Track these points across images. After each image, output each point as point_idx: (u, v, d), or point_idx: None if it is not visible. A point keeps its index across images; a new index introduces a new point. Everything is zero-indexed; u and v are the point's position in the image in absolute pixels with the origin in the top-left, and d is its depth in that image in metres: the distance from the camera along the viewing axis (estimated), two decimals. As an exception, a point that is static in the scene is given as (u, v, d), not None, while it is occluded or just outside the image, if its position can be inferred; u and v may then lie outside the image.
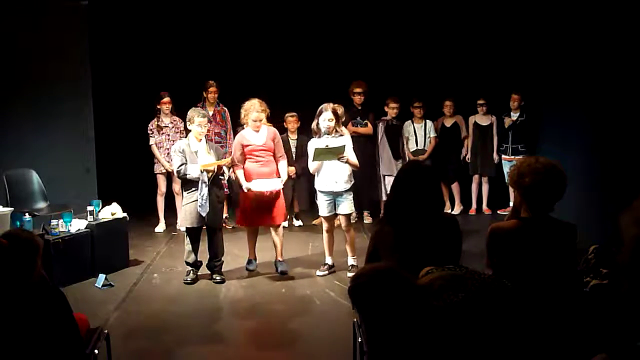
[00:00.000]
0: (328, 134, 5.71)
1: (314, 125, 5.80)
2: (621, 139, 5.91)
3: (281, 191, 5.91)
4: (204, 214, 5.60)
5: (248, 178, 5.80)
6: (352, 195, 5.84)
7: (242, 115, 5.89)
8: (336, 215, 5.87)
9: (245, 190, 5.75)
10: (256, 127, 5.80)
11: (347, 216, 5.86)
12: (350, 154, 5.73)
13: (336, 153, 5.61)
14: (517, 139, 8.18)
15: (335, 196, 5.76)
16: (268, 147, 5.84)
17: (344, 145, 5.63)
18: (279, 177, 5.88)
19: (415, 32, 8.82)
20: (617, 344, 1.59)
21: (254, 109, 5.76)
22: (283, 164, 5.93)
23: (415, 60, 8.86)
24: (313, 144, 5.74)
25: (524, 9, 8.01)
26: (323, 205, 5.83)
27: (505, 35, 8.34)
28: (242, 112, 5.89)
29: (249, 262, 6.04)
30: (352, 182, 5.83)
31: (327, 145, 5.65)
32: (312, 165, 5.81)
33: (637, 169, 5.48)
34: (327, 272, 5.95)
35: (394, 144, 8.07)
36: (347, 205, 5.79)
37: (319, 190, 5.85)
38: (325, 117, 5.68)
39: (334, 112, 5.71)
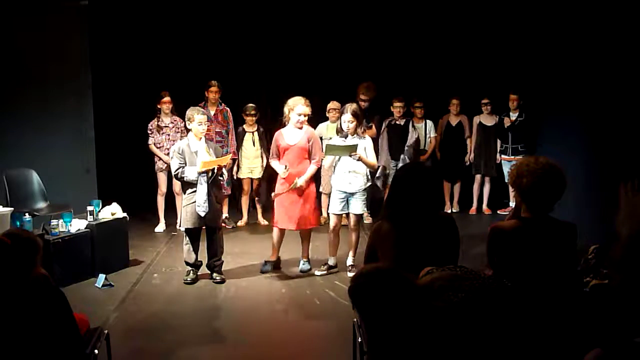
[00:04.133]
0: (348, 135, 5.74)
1: (337, 124, 5.89)
2: (621, 138, 5.91)
3: (314, 195, 5.93)
4: (202, 214, 5.60)
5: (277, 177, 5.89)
6: (365, 196, 5.85)
7: (285, 112, 5.85)
8: (347, 214, 5.90)
9: (283, 173, 5.76)
10: (300, 123, 5.76)
11: (358, 216, 5.87)
12: (369, 154, 5.74)
13: (348, 150, 5.63)
14: (517, 139, 8.19)
15: (349, 195, 5.79)
16: (301, 147, 5.80)
17: (357, 145, 5.64)
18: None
19: (419, 32, 8.82)
20: (612, 340, 1.60)
21: (299, 104, 5.74)
22: (311, 167, 5.84)
23: (419, 61, 8.86)
24: (330, 141, 5.86)
25: (525, 9, 8.01)
26: (335, 203, 5.85)
27: (506, 36, 8.35)
28: (285, 109, 5.85)
29: (266, 263, 6.04)
30: (369, 184, 5.87)
31: (343, 142, 5.71)
32: (326, 162, 5.88)
33: (637, 169, 5.47)
34: (326, 272, 5.96)
35: (394, 143, 8.07)
36: (359, 206, 5.81)
37: (334, 188, 5.88)
38: (345, 119, 5.72)
39: (354, 114, 5.71)
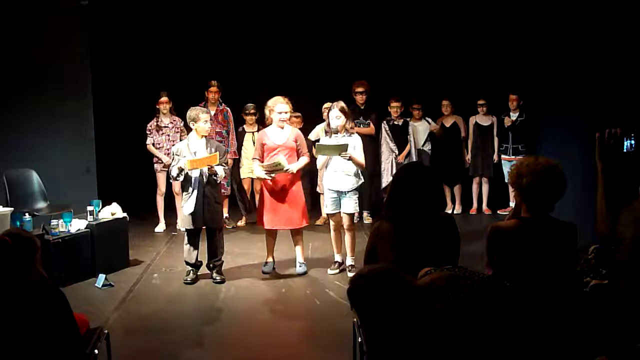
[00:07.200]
0: (338, 133, 5.73)
1: (325, 124, 5.85)
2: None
3: (301, 194, 5.90)
4: (186, 213, 5.60)
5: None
6: (357, 195, 5.85)
7: (266, 113, 5.83)
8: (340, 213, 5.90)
9: (264, 175, 5.67)
10: (282, 121, 5.74)
11: (350, 215, 5.87)
12: (358, 153, 5.72)
13: (339, 150, 5.62)
14: (518, 139, 8.19)
15: (340, 194, 5.79)
16: (288, 147, 5.77)
17: (347, 144, 5.63)
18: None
19: (416, 32, 8.83)
20: (616, 346, 1.59)
21: (279, 103, 5.73)
22: (302, 158, 5.83)
23: (417, 61, 8.87)
24: (321, 141, 5.83)
25: (524, 9, 8.01)
26: (328, 202, 5.87)
27: (504, 36, 8.35)
28: (266, 110, 5.84)
29: (266, 264, 5.99)
30: (360, 182, 5.86)
31: (333, 142, 5.69)
32: (318, 162, 5.88)
33: (637, 168, 5.47)
34: (337, 270, 5.95)
35: (395, 143, 8.08)
36: (351, 204, 5.80)
37: (325, 187, 5.89)
38: (333, 115, 5.71)
39: (342, 110, 5.71)
